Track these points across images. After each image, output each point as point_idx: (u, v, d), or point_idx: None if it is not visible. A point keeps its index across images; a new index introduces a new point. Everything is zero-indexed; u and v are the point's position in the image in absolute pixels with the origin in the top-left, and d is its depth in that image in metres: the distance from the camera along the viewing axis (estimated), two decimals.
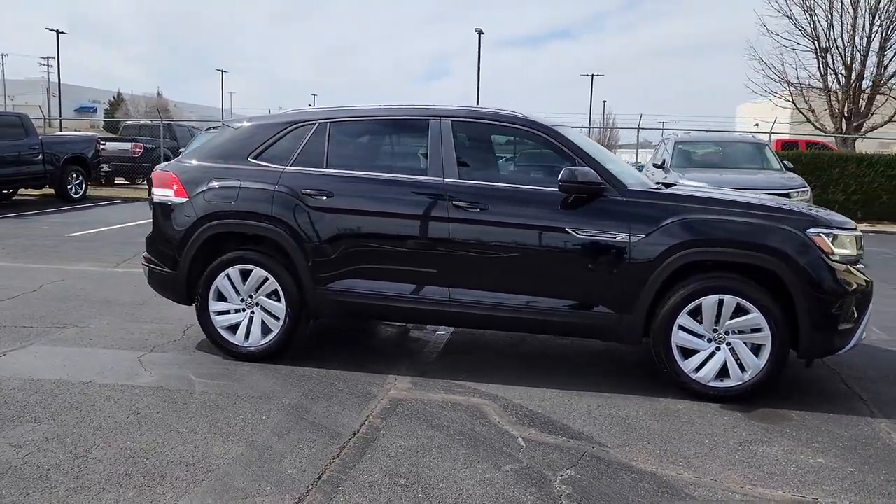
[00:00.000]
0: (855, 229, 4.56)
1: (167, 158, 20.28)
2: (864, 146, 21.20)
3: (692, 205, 4.46)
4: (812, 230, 4.32)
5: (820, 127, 21.04)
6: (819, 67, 20.70)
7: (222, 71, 70.16)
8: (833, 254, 4.31)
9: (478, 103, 43.52)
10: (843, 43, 20.18)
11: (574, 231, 4.48)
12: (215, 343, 5.05)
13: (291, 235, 4.81)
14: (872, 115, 20.19)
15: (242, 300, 4.99)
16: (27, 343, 5.28)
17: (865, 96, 20.21)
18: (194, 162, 5.16)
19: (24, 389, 4.31)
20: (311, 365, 4.92)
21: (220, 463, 3.42)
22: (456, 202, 4.63)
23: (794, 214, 4.42)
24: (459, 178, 4.70)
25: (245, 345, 4.98)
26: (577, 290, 4.54)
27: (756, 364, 4.33)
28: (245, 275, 4.94)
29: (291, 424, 3.91)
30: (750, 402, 4.37)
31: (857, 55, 20.02)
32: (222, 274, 4.96)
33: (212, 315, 5.01)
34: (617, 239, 4.43)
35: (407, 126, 5.04)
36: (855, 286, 4.36)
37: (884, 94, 20.04)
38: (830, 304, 4.26)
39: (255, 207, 4.89)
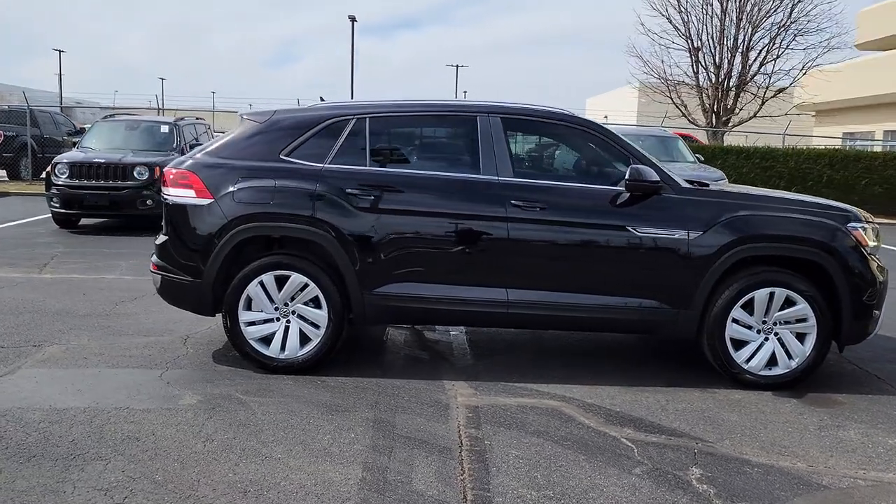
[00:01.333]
0: (873, 222, 4.93)
1: (33, 148, 18.42)
2: (732, 140, 23.01)
3: (743, 202, 4.63)
4: (851, 224, 4.62)
5: (693, 121, 22.63)
6: (692, 66, 22.25)
7: (60, 51, 64.02)
8: (867, 246, 4.64)
9: (352, 93, 42.90)
10: (714, 43, 21.79)
11: (635, 229, 4.52)
12: (246, 356, 4.64)
13: (337, 238, 4.51)
14: (741, 110, 21.96)
15: (276, 308, 4.61)
16: (13, 367, 4.60)
17: (732, 94, 21.93)
18: (213, 159, 4.69)
19: (57, 421, 3.75)
20: (350, 374, 4.64)
21: (350, 490, 3.15)
22: (514, 201, 4.52)
23: (834, 210, 4.71)
24: (515, 177, 4.60)
25: (281, 357, 4.61)
26: (637, 288, 4.59)
27: (803, 351, 4.58)
28: (281, 281, 4.57)
29: (388, 441, 3.67)
30: (795, 389, 4.62)
31: (726, 55, 21.67)
32: (255, 281, 4.56)
33: (242, 326, 4.60)
34: (676, 236, 4.51)
35: (452, 122, 4.86)
36: (882, 275, 4.72)
37: (748, 91, 21.83)
38: (867, 292, 4.58)
39: (295, 209, 4.53)
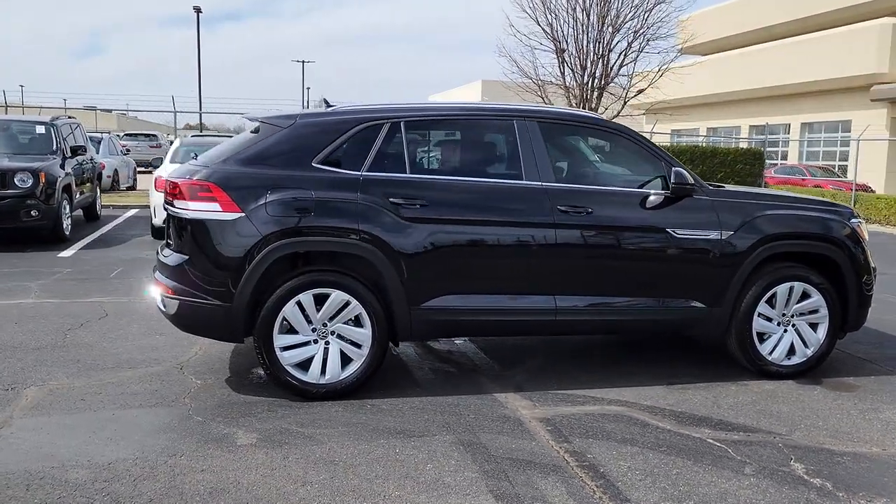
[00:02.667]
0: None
1: None
2: None
3: (765, 202, 4.84)
4: (853, 220, 4.98)
5: None
6: (559, 66, 23.18)
7: None
8: (865, 239, 5.03)
9: (200, 86, 40.55)
10: (579, 46, 22.81)
11: (674, 231, 4.60)
12: (281, 384, 4.22)
13: (382, 251, 4.21)
14: (606, 110, 23.15)
15: (314, 329, 4.24)
16: (0, 418, 3.89)
17: (596, 94, 23.10)
18: (234, 168, 4.21)
19: (114, 479, 3.19)
20: (392, 394, 4.37)
21: None
22: (560, 206, 4.45)
23: (838, 207, 5.05)
24: (558, 182, 4.53)
25: (322, 381, 4.24)
26: (675, 288, 4.67)
27: (817, 340, 4.89)
28: (320, 300, 4.20)
29: (493, 464, 3.47)
30: (810, 376, 4.91)
31: (590, 57, 22.77)
32: (292, 301, 4.16)
33: (277, 352, 4.18)
34: (711, 237, 4.64)
35: (490, 126, 4.68)
36: (875, 267, 5.14)
37: (611, 93, 23.07)
38: (867, 283, 4.97)
39: (339, 221, 4.18)
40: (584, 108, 22.87)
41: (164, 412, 4.02)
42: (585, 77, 23.02)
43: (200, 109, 30.55)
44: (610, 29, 22.61)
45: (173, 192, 4.22)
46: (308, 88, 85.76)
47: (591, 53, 22.70)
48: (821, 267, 4.89)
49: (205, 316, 4.18)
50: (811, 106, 27.41)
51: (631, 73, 22.35)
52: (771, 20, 29.18)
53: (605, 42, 22.85)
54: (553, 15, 22.52)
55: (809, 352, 4.89)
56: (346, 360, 4.28)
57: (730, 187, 5.38)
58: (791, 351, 4.88)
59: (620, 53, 22.77)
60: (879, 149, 23.68)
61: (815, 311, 4.87)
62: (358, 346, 4.28)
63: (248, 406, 4.14)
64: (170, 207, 4.31)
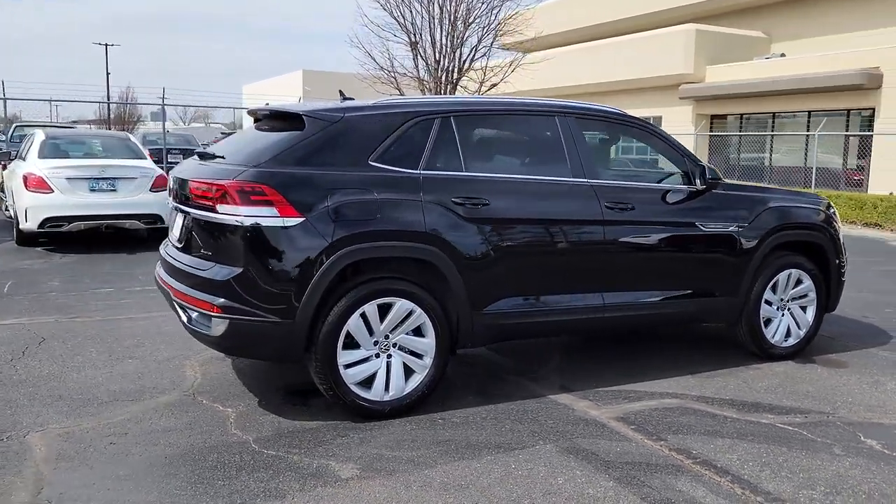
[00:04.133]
0: None
1: None
2: None
3: (767, 195, 5.13)
4: (830, 209, 5.43)
5: None
6: (413, 59, 23.17)
7: None
8: (840, 227, 5.51)
9: None
10: (431, 38, 22.94)
11: (702, 225, 4.75)
12: (345, 405, 3.84)
13: (448, 254, 3.95)
14: None
15: (376, 343, 3.90)
16: (23, 475, 3.18)
17: (451, 88, 23.37)
18: (285, 168, 3.72)
19: None
20: (456, 406, 4.14)
21: None
22: (607, 203, 4.43)
23: (819, 198, 5.47)
24: (601, 179, 4.51)
25: (387, 398, 3.91)
26: (702, 281, 4.83)
27: (807, 321, 5.29)
28: (384, 310, 3.87)
29: (618, 470, 3.37)
30: (804, 355, 5.30)
31: (443, 50, 22.97)
32: (357, 313, 3.79)
33: (341, 370, 3.79)
34: (730, 230, 4.85)
35: (536, 122, 4.52)
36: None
37: (464, 87, 23.43)
38: (843, 266, 5.45)
39: (407, 224, 3.85)
40: None
41: (224, 449, 3.50)
42: (440, 71, 23.23)
43: (4, 95, 26.94)
44: (461, 24, 22.97)
45: (212, 195, 3.66)
46: (109, 74, 78.97)
47: (444, 47, 22.94)
48: (809, 253, 5.28)
49: (261, 335, 3.69)
50: (631, 102, 29.54)
51: (485, 66, 22.82)
52: (598, 19, 31.13)
53: (458, 36, 23.19)
54: (406, 6, 22.47)
55: (802, 333, 5.27)
56: (408, 373, 3.99)
57: (730, 182, 5.66)
58: (787, 333, 5.24)
59: (472, 48, 23.23)
60: (686, 143, 26.17)
61: (805, 295, 5.27)
62: (420, 356, 3.99)
63: (312, 433, 3.71)
64: (206, 213, 3.74)
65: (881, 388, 4.69)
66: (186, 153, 18.65)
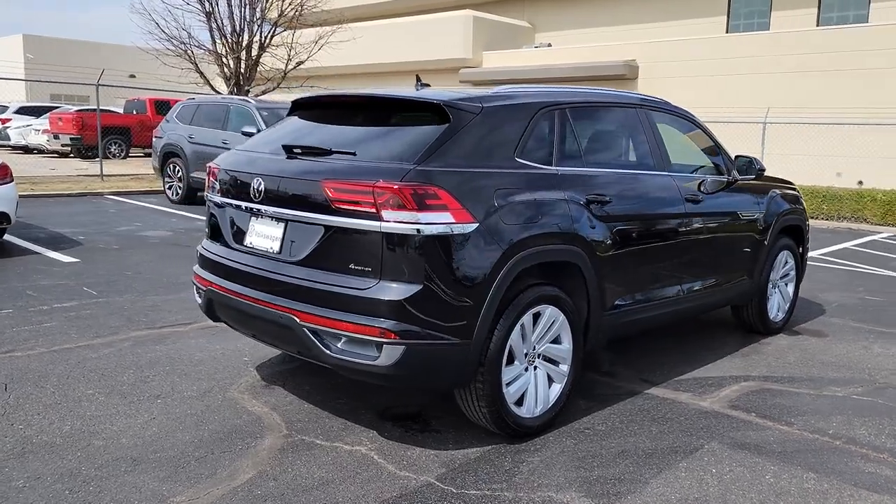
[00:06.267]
0: None
1: None
2: None
3: (767, 182, 5.52)
4: (797, 192, 6.01)
5: (217, 89, 21.77)
6: (210, 32, 21.23)
7: None
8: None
9: None
10: (228, 10, 21.19)
11: (741, 213, 5.01)
12: (500, 426, 3.47)
13: (588, 254, 3.73)
14: (269, 80, 21.99)
15: (526, 355, 3.58)
16: None
17: (251, 62, 21.81)
18: (442, 167, 3.20)
19: None
20: (569, 414, 3.96)
21: None
22: (686, 196, 4.49)
23: (791, 183, 6.00)
24: (676, 171, 4.55)
25: (538, 413, 3.62)
26: (742, 266, 5.11)
27: (790, 296, 5.84)
28: (535, 319, 3.56)
29: (803, 459, 3.47)
30: (787, 329, 5.84)
31: (241, 24, 21.33)
32: (518, 325, 3.44)
33: (504, 388, 3.43)
34: (755, 216, 5.18)
35: (624, 114, 4.36)
36: None
37: (269, 65, 21.96)
38: (808, 244, 6.09)
39: (561, 226, 3.56)
40: (237, 79, 21.64)
41: (417, 497, 2.98)
42: (240, 46, 21.63)
43: None
44: None
45: (373, 199, 3.06)
46: None
47: (241, 19, 21.37)
48: (792, 234, 5.80)
49: (438, 360, 3.18)
50: (409, 84, 29.99)
51: (291, 42, 21.66)
52: None
53: (260, 10, 21.74)
54: None
55: (786, 307, 5.82)
56: (549, 383, 3.72)
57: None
58: (778, 309, 5.74)
59: (273, 22, 21.95)
60: None
61: (788, 274, 5.80)
62: (557, 364, 3.74)
63: (485, 463, 3.32)
64: (360, 221, 3.11)
65: (874, 351, 5.32)
66: None
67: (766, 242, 5.29)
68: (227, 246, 3.77)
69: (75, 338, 4.95)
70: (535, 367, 3.63)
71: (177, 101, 24.81)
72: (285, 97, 18.17)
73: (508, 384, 3.45)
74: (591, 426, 3.78)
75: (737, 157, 5.16)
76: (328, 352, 3.19)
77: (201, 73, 21.67)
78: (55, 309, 5.64)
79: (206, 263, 3.89)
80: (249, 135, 11.15)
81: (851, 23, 20.82)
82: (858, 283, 7.94)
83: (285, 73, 21.84)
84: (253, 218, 3.60)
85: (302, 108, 4.11)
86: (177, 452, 3.32)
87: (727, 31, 23.34)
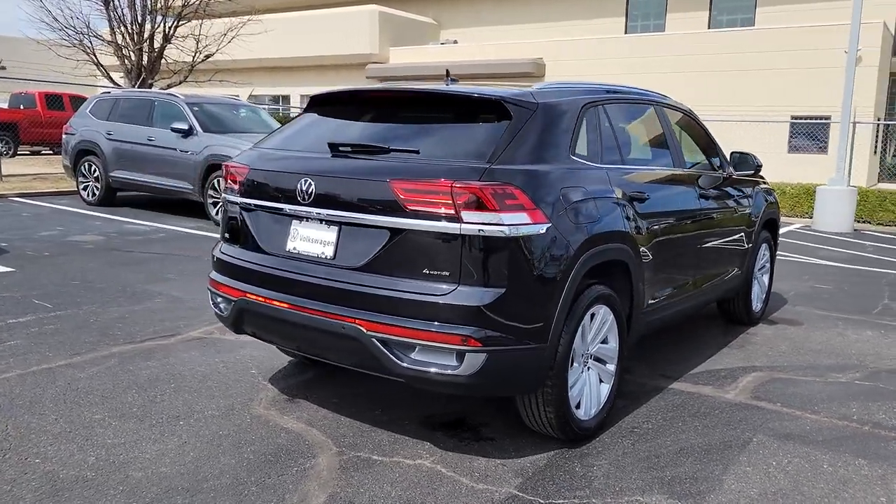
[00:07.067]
0: None
1: None
2: None
3: (748, 177, 5.70)
4: (769, 186, 6.25)
5: (117, 82, 20.46)
6: (109, 21, 19.90)
7: None
8: None
9: None
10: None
11: (738, 207, 5.16)
12: (565, 431, 3.39)
13: (635, 252, 3.71)
14: (175, 73, 20.83)
15: (582, 356, 3.51)
16: None
17: (155, 55, 20.62)
18: (510, 165, 3.06)
19: None
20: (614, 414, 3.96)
21: None
22: (700, 191, 4.56)
23: (761, 176, 6.22)
24: (687, 168, 4.61)
25: (594, 413, 3.58)
26: (738, 258, 5.25)
27: (766, 286, 6.08)
28: (591, 319, 3.50)
29: (851, 447, 3.58)
30: (766, 319, 6.08)
31: (143, 15, 20.12)
32: (581, 326, 3.37)
33: (569, 392, 3.35)
34: (748, 210, 5.35)
35: (646, 111, 4.36)
36: None
37: (176, 59, 20.82)
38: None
39: (616, 224, 3.52)
40: (140, 69, 20.49)
41: None
42: (141, 37, 20.42)
43: None
44: None
45: (452, 200, 2.89)
46: None
47: (143, 8, 20.17)
48: (768, 226, 6.02)
49: (517, 366, 3.06)
50: (329, 80, 29.20)
51: (198, 34, 20.65)
52: None
53: (163, 2, 20.60)
54: None
55: (763, 297, 6.05)
56: (599, 383, 3.68)
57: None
58: (756, 299, 5.96)
59: (176, 16, 20.83)
60: None
61: (764, 265, 6.04)
62: (605, 363, 3.70)
63: (556, 471, 3.23)
64: (436, 223, 2.93)
65: (850, 337, 5.61)
66: None
67: (753, 235, 5.47)
68: (261, 251, 3.48)
69: (51, 356, 4.48)
70: (588, 368, 3.57)
71: (70, 95, 23.42)
72: (195, 91, 17.31)
73: (571, 387, 3.38)
74: (637, 425, 3.77)
75: (732, 152, 5.31)
76: (401, 363, 3.00)
77: (99, 65, 20.34)
78: (12, 325, 5.09)
79: (232, 270, 3.59)
80: (180, 131, 10.55)
81: (739, 26, 22.13)
82: (801, 272, 8.39)
83: (192, 67, 20.83)
84: (296, 221, 3.35)
85: (325, 103, 3.86)
86: (230, 479, 3.04)
87: (626, 32, 24.26)
